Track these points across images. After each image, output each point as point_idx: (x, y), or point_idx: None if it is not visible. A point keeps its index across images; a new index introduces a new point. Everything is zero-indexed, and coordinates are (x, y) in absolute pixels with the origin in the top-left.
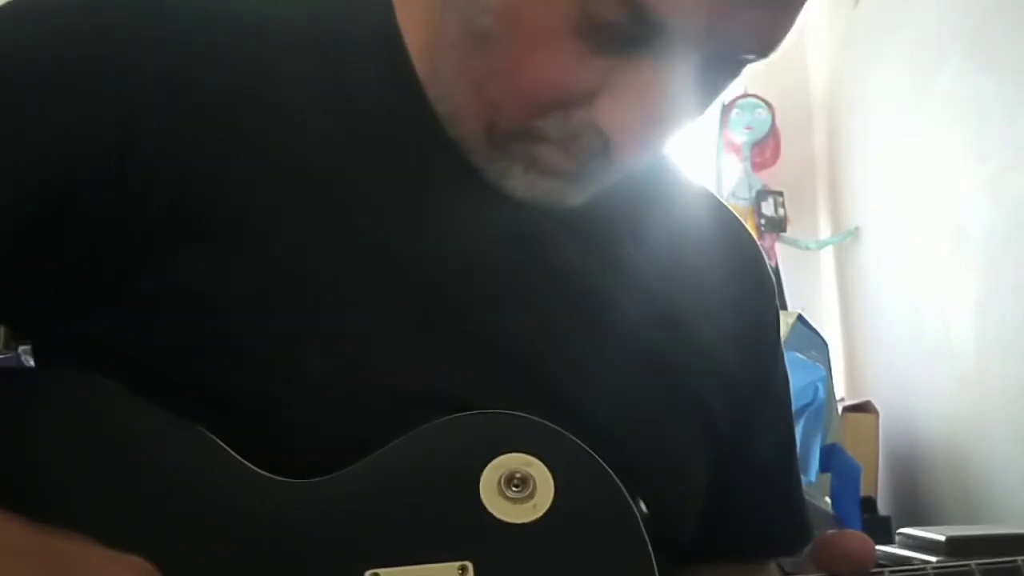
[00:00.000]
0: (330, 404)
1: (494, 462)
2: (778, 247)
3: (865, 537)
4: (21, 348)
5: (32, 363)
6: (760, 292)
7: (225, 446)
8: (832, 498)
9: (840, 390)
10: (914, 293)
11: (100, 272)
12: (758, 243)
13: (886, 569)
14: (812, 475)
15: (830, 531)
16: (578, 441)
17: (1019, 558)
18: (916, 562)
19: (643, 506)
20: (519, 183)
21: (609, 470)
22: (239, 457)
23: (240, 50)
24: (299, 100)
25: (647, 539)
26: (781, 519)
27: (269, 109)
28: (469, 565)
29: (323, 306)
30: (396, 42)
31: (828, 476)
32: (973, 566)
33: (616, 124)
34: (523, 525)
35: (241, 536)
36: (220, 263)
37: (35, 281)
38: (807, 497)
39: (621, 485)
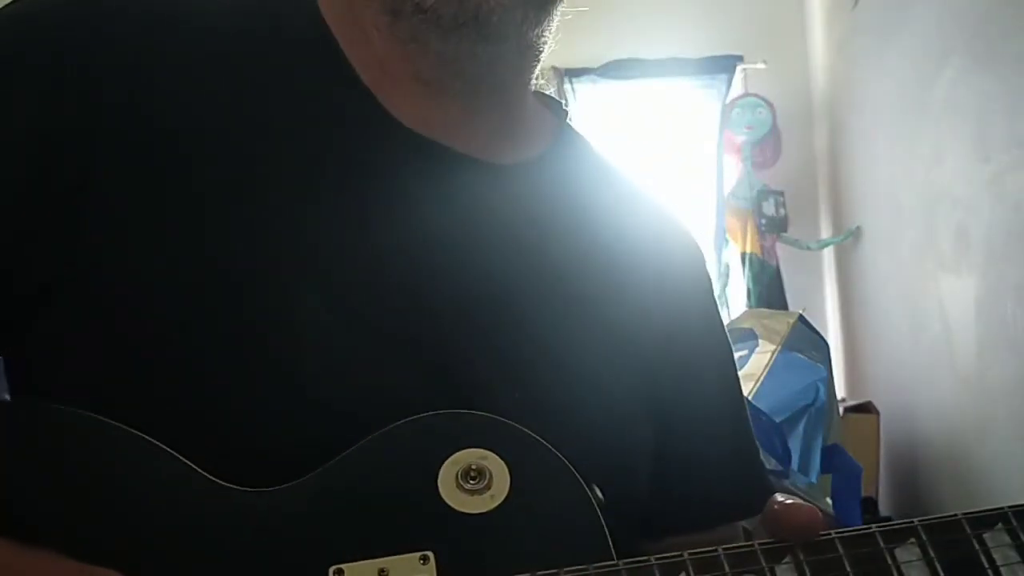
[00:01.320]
0: (287, 413)
1: (451, 458)
2: (779, 247)
3: (814, 508)
4: None
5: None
6: (693, 264)
7: (181, 457)
8: (833, 498)
9: (841, 390)
10: (915, 293)
11: (52, 271)
12: (689, 231)
13: (832, 531)
14: (813, 475)
15: (778, 502)
16: (532, 434)
17: (959, 513)
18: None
19: (599, 492)
20: None
21: (564, 459)
22: (199, 469)
23: (175, 33)
24: (234, 84)
25: (604, 524)
26: (737, 481)
27: (201, 93)
28: (430, 555)
29: (270, 303)
30: (321, 25)
31: (829, 476)
32: (916, 523)
33: None
34: (481, 515)
35: (206, 544)
36: (151, 256)
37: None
38: (808, 497)
39: (576, 473)
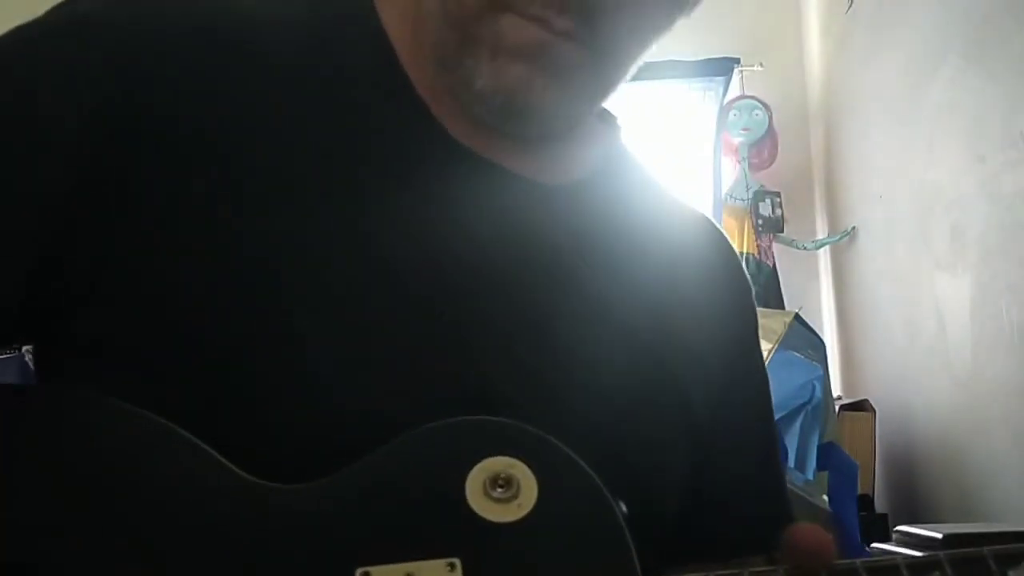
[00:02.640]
0: (325, 405)
1: (479, 465)
2: (775, 247)
3: (823, 532)
4: (25, 348)
5: (33, 364)
6: (742, 297)
7: (213, 451)
8: (829, 496)
9: (837, 389)
10: (910, 292)
11: (92, 265)
12: (739, 256)
13: (858, 561)
14: (810, 473)
15: (791, 529)
16: (561, 445)
17: (985, 548)
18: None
19: (624, 507)
20: (487, 76)
21: (591, 472)
22: (227, 463)
23: (228, 40)
24: (287, 90)
25: (628, 538)
26: (764, 512)
27: (250, 98)
28: (457, 562)
29: (313, 302)
30: (379, 33)
31: (825, 474)
32: (941, 556)
33: None
34: (509, 524)
35: (231, 542)
36: (195, 255)
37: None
38: (805, 494)
39: (603, 486)
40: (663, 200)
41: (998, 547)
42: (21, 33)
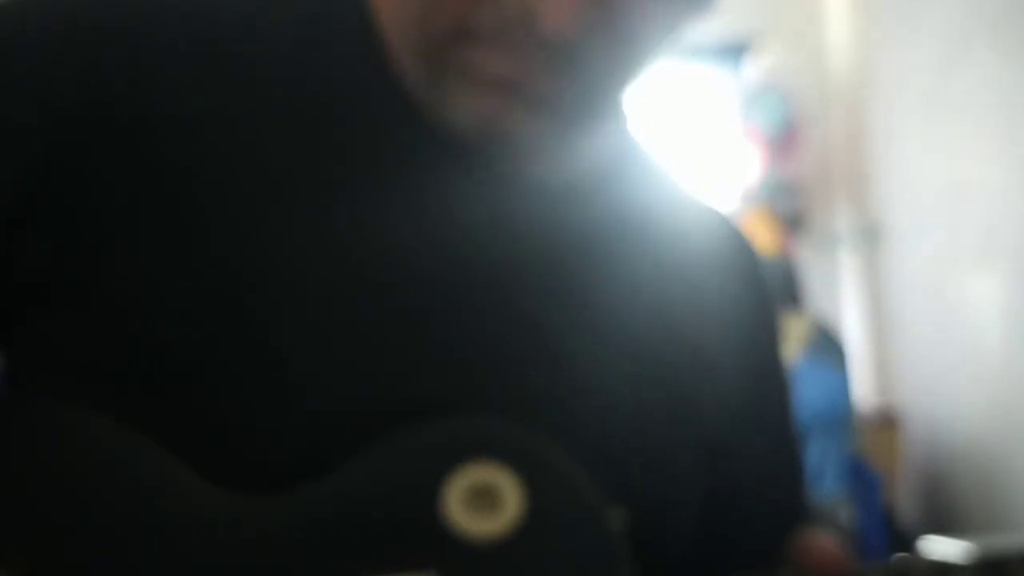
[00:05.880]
0: (296, 416)
1: (459, 472)
2: (795, 243)
3: (835, 547)
4: None
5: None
6: (762, 304)
7: (179, 462)
8: (853, 510)
9: (861, 395)
10: (939, 293)
11: (60, 268)
12: (759, 259)
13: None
14: (830, 486)
15: (801, 544)
16: (550, 445)
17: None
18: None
19: (624, 514)
20: (462, 102)
21: (584, 476)
22: (195, 475)
23: (212, 41)
24: (266, 93)
25: (621, 549)
26: (783, 529)
27: (230, 100)
28: None
29: (289, 306)
30: (372, 33)
31: (848, 486)
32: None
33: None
34: (489, 537)
35: (199, 560)
36: (156, 259)
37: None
38: (826, 509)
39: (595, 492)
40: (676, 198)
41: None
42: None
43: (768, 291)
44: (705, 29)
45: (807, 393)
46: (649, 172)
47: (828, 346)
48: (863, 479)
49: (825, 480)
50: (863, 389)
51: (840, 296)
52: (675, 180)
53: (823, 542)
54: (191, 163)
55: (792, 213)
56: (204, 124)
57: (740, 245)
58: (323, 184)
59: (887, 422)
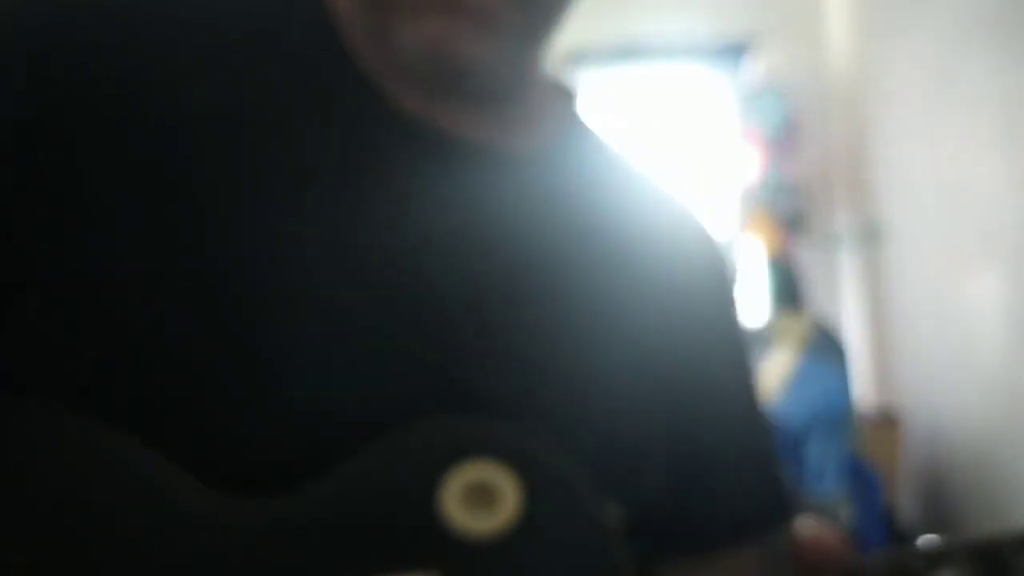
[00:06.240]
0: (280, 420)
1: (457, 470)
2: (796, 244)
3: (831, 542)
4: None
5: None
6: (718, 278)
7: (174, 466)
8: (852, 510)
9: (862, 395)
10: (939, 293)
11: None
12: (716, 242)
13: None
14: (830, 486)
15: (801, 542)
16: (545, 444)
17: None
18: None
19: (614, 509)
20: (409, 31)
21: (580, 473)
22: (190, 478)
23: (176, 20)
24: (230, 76)
25: (616, 544)
26: (747, 495)
27: (195, 87)
28: None
29: (267, 299)
30: (322, 13)
31: (848, 486)
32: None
33: None
34: (487, 535)
35: (197, 564)
36: (137, 256)
37: None
38: (827, 509)
39: (590, 489)
40: (628, 174)
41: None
42: None
43: (722, 261)
44: (705, 30)
45: (807, 392)
46: (598, 146)
47: (828, 346)
48: (863, 478)
49: (825, 480)
50: (863, 389)
51: (840, 296)
52: (624, 156)
53: (822, 535)
54: (169, 157)
55: (792, 213)
56: (163, 110)
57: (691, 218)
58: (294, 172)
59: (887, 421)
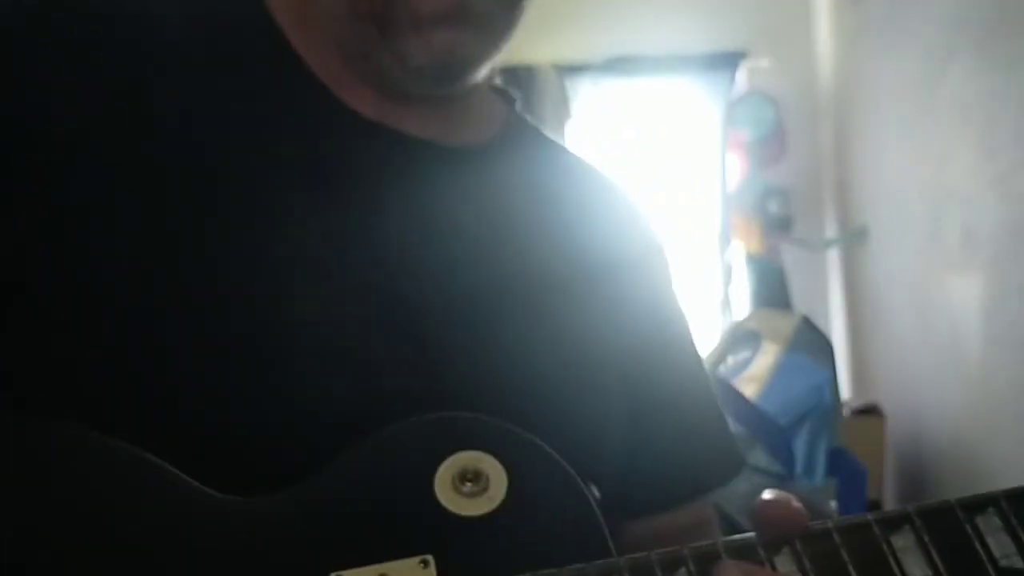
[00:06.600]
0: (271, 416)
1: (447, 461)
2: (783, 247)
3: (787, 502)
4: None
5: None
6: (652, 250)
7: (171, 467)
8: (838, 502)
9: (846, 392)
10: (921, 293)
11: None
12: (646, 213)
13: (829, 521)
14: (818, 479)
15: (762, 499)
16: (526, 434)
17: (952, 499)
18: None
19: (595, 490)
20: (418, 50)
21: (559, 458)
22: (187, 477)
23: (121, 21)
24: (181, 78)
25: (602, 522)
26: (711, 453)
27: (147, 87)
28: (430, 558)
29: (233, 306)
30: (269, 23)
31: (834, 479)
32: (910, 510)
33: None
34: (480, 517)
35: (199, 557)
36: (117, 258)
37: None
38: (813, 501)
39: (572, 471)
40: (568, 161)
41: (965, 497)
42: None
43: (653, 236)
44: (696, 40)
45: (795, 388)
46: (538, 137)
47: (815, 343)
48: (848, 472)
49: (811, 472)
50: (848, 386)
51: (827, 296)
52: (561, 144)
53: (783, 500)
54: (134, 156)
55: (780, 217)
56: (116, 114)
57: (624, 197)
58: (255, 172)
59: (871, 418)
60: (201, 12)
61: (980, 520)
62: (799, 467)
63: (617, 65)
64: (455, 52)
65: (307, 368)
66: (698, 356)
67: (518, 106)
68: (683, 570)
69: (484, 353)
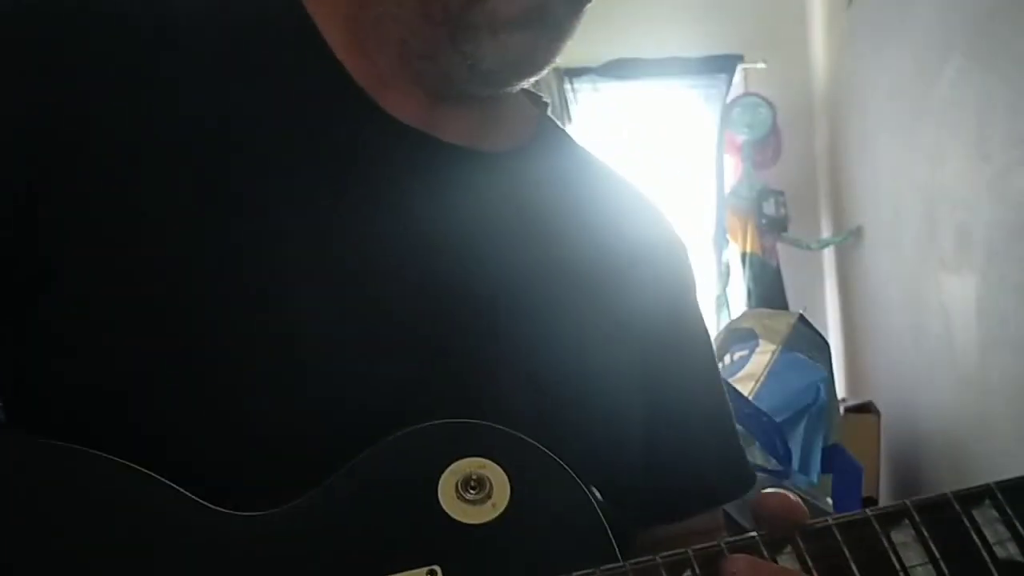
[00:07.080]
0: (280, 421)
1: (449, 468)
2: (779, 247)
3: (785, 494)
4: None
5: None
6: (680, 262)
7: (172, 485)
8: (834, 499)
9: (841, 390)
10: (916, 293)
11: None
12: (674, 226)
13: (828, 518)
14: (814, 476)
15: (761, 496)
16: (528, 439)
17: (949, 492)
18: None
19: (597, 493)
20: (494, 52)
21: (562, 463)
22: (189, 494)
23: (154, 23)
24: (215, 77)
25: (606, 525)
26: (724, 467)
27: (182, 87)
28: (437, 569)
29: (258, 307)
30: (308, 25)
31: (830, 477)
32: (908, 504)
33: None
34: (484, 525)
35: (205, 573)
36: (134, 257)
37: None
38: (809, 497)
39: (576, 476)
40: (597, 168)
41: (961, 490)
42: None
43: (683, 248)
44: (693, 43)
45: (791, 386)
46: (570, 144)
47: (811, 342)
48: (844, 469)
49: (807, 469)
50: (843, 384)
51: (822, 296)
52: (592, 152)
53: (781, 496)
54: (161, 158)
55: (776, 218)
56: (155, 118)
57: (653, 208)
58: (291, 175)
59: (866, 416)
60: (239, 12)
61: (976, 512)
62: (795, 464)
63: (615, 68)
64: (529, 55)
65: (330, 373)
66: (715, 366)
67: (549, 110)
68: (688, 572)
69: (509, 358)
